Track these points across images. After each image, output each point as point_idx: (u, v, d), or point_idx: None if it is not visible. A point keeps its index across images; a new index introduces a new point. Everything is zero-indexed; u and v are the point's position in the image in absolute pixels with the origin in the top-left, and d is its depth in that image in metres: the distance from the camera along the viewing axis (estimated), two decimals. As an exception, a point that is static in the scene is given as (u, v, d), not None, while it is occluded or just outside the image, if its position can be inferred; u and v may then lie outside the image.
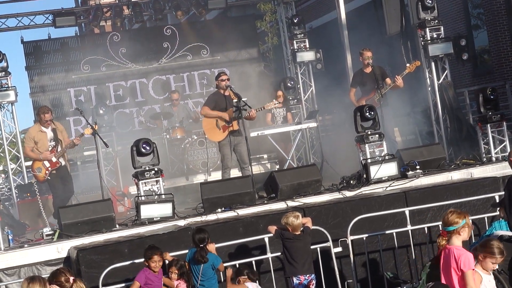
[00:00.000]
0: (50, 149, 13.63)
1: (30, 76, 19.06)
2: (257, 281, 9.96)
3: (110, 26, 25.99)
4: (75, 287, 7.20)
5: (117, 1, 19.24)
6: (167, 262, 9.89)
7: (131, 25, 28.46)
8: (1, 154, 17.11)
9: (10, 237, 11.77)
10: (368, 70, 14.69)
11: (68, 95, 19.14)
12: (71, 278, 7.21)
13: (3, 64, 15.92)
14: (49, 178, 13.67)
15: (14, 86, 15.87)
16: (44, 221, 13.46)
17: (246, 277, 9.83)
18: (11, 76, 15.97)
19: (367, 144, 12.91)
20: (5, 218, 12.92)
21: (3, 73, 15.86)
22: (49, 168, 13.62)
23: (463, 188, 11.98)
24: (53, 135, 13.76)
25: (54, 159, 13.62)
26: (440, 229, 7.37)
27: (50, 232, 11.80)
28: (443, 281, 7.39)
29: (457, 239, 7.42)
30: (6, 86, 15.83)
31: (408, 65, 14.58)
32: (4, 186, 16.93)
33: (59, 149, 13.65)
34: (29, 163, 19.90)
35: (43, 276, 10.30)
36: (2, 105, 16.13)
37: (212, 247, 9.62)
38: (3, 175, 17.81)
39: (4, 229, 11.84)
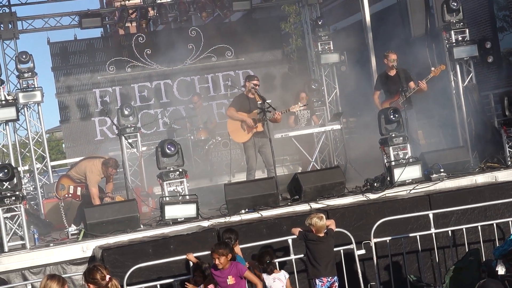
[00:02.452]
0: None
1: (56, 77, 19.20)
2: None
3: (135, 27, 26.17)
4: (110, 286, 7.15)
5: (142, 3, 19.35)
6: (191, 264, 9.95)
7: (155, 26, 28.60)
8: (27, 153, 17.27)
9: (35, 236, 11.91)
10: (393, 72, 14.66)
11: (94, 96, 19.27)
12: (107, 277, 7.15)
13: (30, 64, 16.11)
14: (62, 204, 13.86)
15: (41, 87, 16.06)
16: (68, 221, 13.58)
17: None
18: (37, 76, 16.15)
19: (391, 147, 12.90)
20: (31, 217, 13.06)
21: (30, 73, 16.06)
22: (70, 195, 13.82)
23: (488, 192, 11.93)
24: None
25: (78, 192, 13.89)
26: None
27: (75, 232, 11.93)
28: None
29: None
30: (33, 86, 16.03)
31: (433, 68, 14.53)
32: (29, 185, 17.06)
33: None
34: (54, 163, 20.12)
35: (68, 275, 10.50)
36: (28, 105, 16.30)
37: (237, 249, 9.67)
38: (28, 175, 17.96)
39: (30, 228, 11.95)
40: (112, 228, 11.66)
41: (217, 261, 9.06)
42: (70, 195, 13.96)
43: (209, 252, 9.32)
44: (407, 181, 12.67)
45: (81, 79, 19.27)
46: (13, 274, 10.84)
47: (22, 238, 11.52)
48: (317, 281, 9.65)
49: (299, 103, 14.60)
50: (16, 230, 11.51)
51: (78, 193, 13.96)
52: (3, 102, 14.47)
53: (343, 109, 18.53)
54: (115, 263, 10.47)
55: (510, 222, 11.23)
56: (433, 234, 11.12)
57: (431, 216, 11.11)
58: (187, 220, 11.80)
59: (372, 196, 12.32)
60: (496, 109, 17.07)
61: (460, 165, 13.39)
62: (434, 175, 12.77)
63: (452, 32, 15.19)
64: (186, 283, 9.72)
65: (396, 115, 12.96)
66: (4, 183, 11.48)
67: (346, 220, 11.27)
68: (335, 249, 10.00)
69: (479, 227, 11.14)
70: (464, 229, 11.22)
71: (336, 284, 9.76)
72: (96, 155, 15.06)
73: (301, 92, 17.19)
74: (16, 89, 16.56)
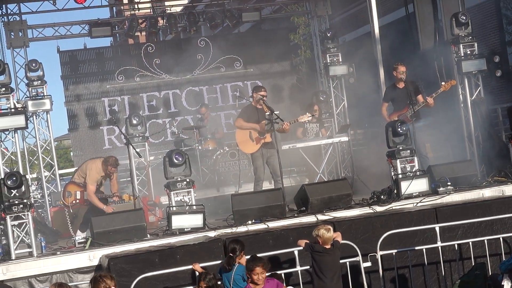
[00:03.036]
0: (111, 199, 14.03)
1: (65, 85, 19.24)
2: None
3: (144, 37, 26.25)
4: None
5: (152, 13, 19.43)
6: (197, 273, 9.97)
7: (165, 36, 28.70)
8: (35, 161, 17.34)
9: (43, 244, 11.95)
10: (401, 85, 14.65)
11: (102, 105, 19.33)
12: None
13: (39, 73, 16.20)
14: (71, 211, 13.93)
15: (50, 95, 16.14)
16: (75, 229, 13.65)
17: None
18: (46, 85, 16.23)
19: (398, 160, 12.91)
20: (38, 225, 13.09)
21: (39, 81, 16.15)
22: (77, 200, 13.89)
23: (495, 206, 11.92)
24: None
25: (85, 197, 13.98)
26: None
27: (82, 240, 11.97)
28: None
29: None
30: (42, 94, 16.10)
31: (443, 83, 14.49)
32: (37, 193, 17.10)
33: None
34: (62, 171, 20.18)
35: (74, 283, 10.54)
36: (37, 113, 16.37)
37: (243, 260, 9.67)
38: (36, 182, 18.02)
39: (37, 236, 12.00)
40: (119, 237, 11.69)
41: (257, 277, 8.65)
42: (77, 201, 14.00)
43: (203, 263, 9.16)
44: (414, 194, 12.68)
45: (90, 87, 19.32)
46: (20, 281, 10.88)
47: (29, 246, 11.55)
48: (322, 293, 9.66)
49: (307, 113, 14.60)
50: (23, 237, 11.55)
51: (85, 197, 13.99)
52: (12, 110, 14.51)
53: (351, 121, 18.55)
54: (121, 272, 10.49)
55: (516, 237, 11.24)
56: (440, 248, 11.12)
57: (437, 229, 11.11)
58: (194, 230, 11.82)
59: (378, 208, 12.32)
60: (504, 123, 17.07)
61: (467, 179, 13.38)
62: (441, 189, 12.77)
63: (461, 45, 15.23)
64: None
65: (404, 128, 12.98)
66: (12, 190, 11.54)
67: (353, 232, 11.28)
68: (341, 261, 10.00)
69: (486, 241, 11.14)
70: (470, 243, 11.22)
71: (342, 296, 9.77)
72: (98, 156, 15.07)
73: (314, 104, 17.20)
74: (26, 97, 16.65)
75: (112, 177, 14.16)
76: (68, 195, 14.05)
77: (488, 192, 12.88)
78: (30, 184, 14.30)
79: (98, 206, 13.67)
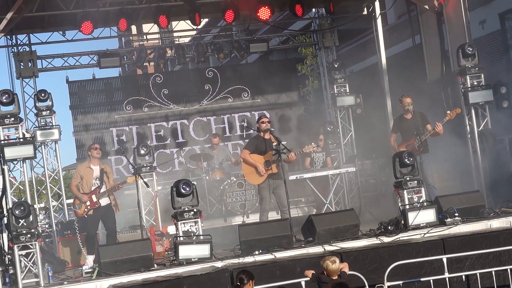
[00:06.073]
0: (93, 188, 13.88)
1: (74, 115, 19.28)
2: None
3: (153, 67, 26.41)
4: None
5: (161, 43, 19.56)
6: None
7: (173, 67, 28.86)
8: (43, 191, 17.38)
9: (50, 274, 11.97)
10: (409, 116, 14.68)
11: (111, 135, 19.37)
12: None
13: (48, 103, 16.31)
14: (86, 216, 13.92)
15: (58, 125, 16.23)
16: (85, 258, 13.66)
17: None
18: (55, 115, 16.32)
19: (405, 190, 12.91)
20: (46, 254, 13.11)
21: (48, 111, 16.24)
22: (88, 207, 13.87)
23: (502, 237, 11.90)
24: (99, 174, 14.03)
25: (94, 199, 13.85)
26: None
27: (89, 270, 11.97)
28: None
29: None
30: (51, 124, 16.19)
31: (448, 112, 14.56)
32: (44, 223, 17.12)
33: (102, 190, 13.90)
34: (70, 201, 20.18)
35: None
36: (46, 143, 16.44)
37: None
38: (43, 212, 18.05)
39: (45, 266, 12.01)
40: (126, 267, 11.68)
41: None
42: (88, 207, 13.95)
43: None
44: (421, 225, 12.65)
45: (99, 117, 19.36)
46: (27, 311, 10.91)
47: (36, 276, 11.58)
48: (329, 324, 9.62)
49: (312, 143, 14.61)
50: (30, 267, 11.57)
51: (94, 200, 13.96)
52: (21, 139, 14.58)
53: (358, 151, 18.56)
54: (128, 302, 10.50)
55: (524, 268, 11.20)
56: (447, 279, 11.08)
57: (445, 260, 11.08)
58: (201, 260, 11.81)
59: (386, 239, 12.30)
60: (511, 153, 17.05)
61: (475, 210, 13.36)
62: (449, 219, 12.75)
63: (468, 76, 15.27)
64: None
65: (411, 159, 13.00)
66: (20, 220, 11.57)
67: (360, 263, 11.27)
68: (348, 292, 9.97)
69: (493, 272, 11.09)
70: (478, 274, 11.19)
71: (349, 327, 9.72)
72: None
73: (319, 134, 17.26)
74: (34, 127, 16.72)
75: (106, 175, 14.19)
76: (79, 207, 14.04)
77: (495, 223, 12.85)
78: (37, 213, 14.32)
79: (76, 196, 14.06)
